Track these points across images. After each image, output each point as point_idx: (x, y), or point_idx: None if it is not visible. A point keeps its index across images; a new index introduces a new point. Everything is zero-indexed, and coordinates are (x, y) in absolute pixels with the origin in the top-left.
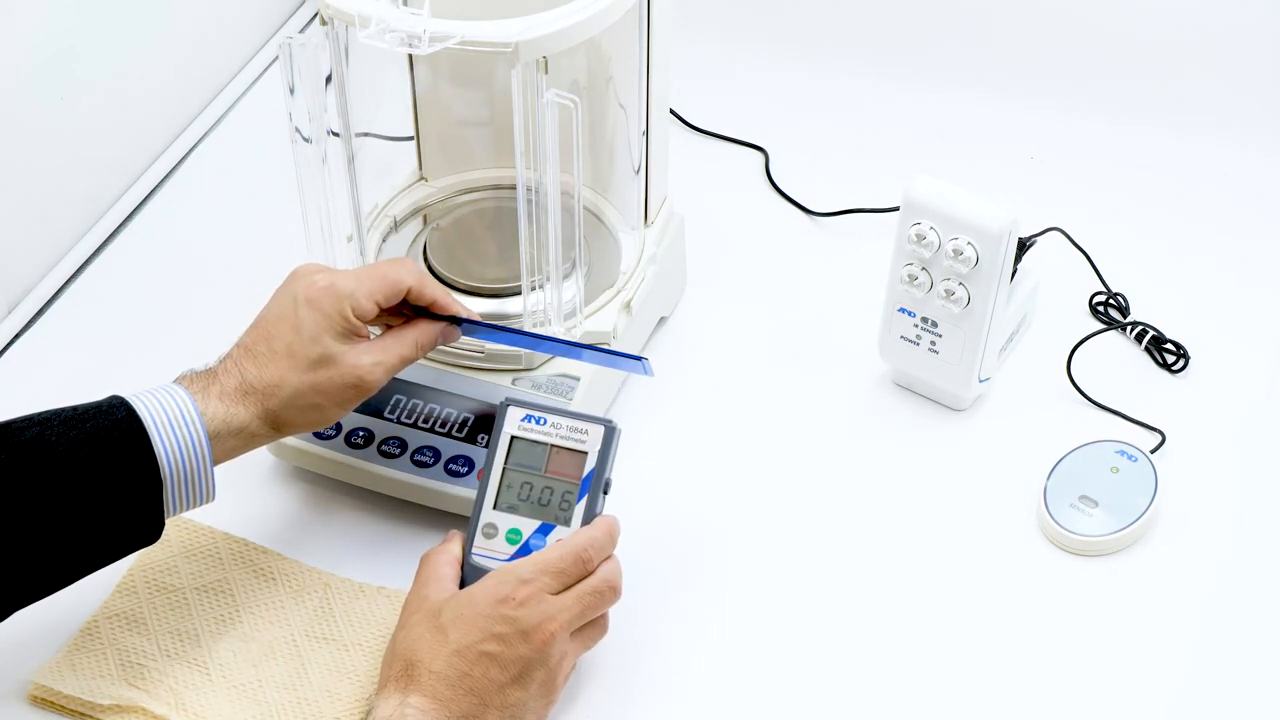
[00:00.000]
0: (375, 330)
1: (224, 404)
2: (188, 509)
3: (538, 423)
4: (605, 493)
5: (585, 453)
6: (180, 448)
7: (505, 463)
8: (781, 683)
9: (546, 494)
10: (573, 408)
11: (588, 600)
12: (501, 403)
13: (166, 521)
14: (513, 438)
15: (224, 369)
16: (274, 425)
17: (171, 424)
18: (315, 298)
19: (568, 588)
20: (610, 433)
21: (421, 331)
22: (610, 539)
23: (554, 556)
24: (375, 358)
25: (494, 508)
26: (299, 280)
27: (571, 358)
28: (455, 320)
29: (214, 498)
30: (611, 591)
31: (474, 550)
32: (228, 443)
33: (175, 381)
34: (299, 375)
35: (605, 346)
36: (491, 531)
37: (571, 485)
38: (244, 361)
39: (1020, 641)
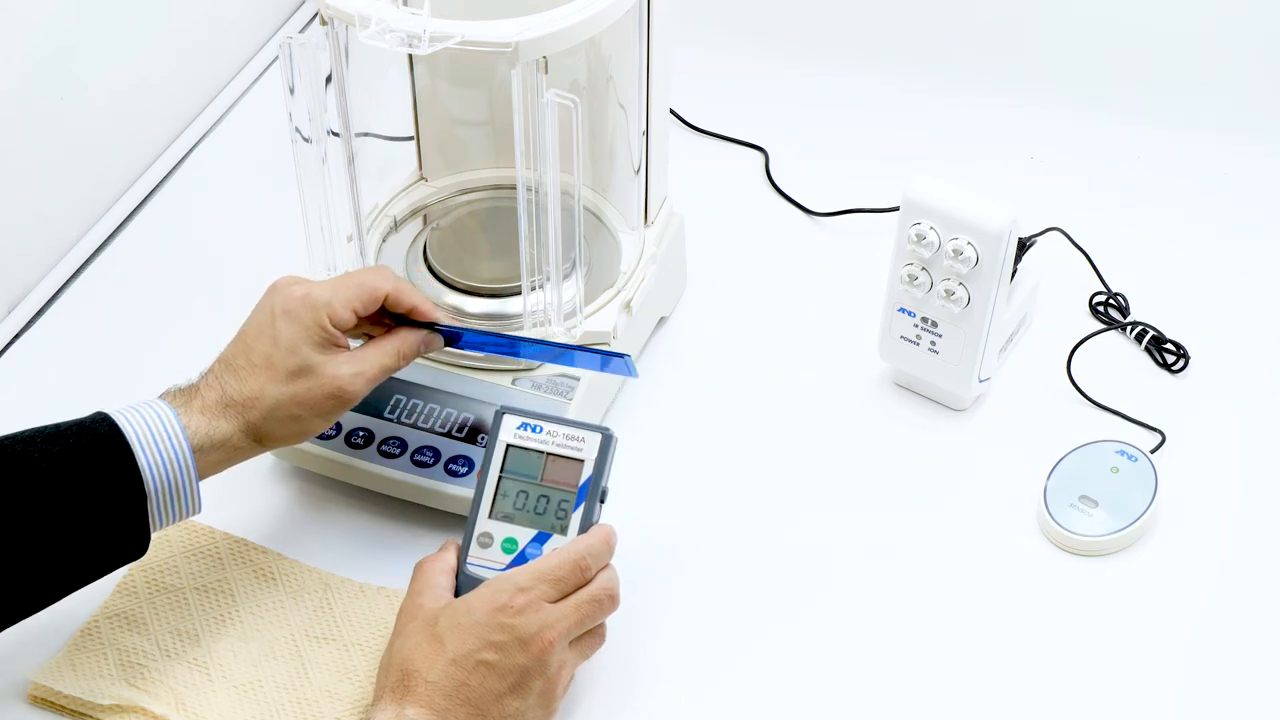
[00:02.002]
0: (358, 344)
1: (206, 418)
2: (173, 522)
3: (534, 431)
4: (602, 501)
5: (582, 460)
6: (164, 461)
7: (501, 471)
8: (782, 683)
9: (543, 503)
10: (572, 408)
11: (586, 609)
12: (497, 411)
13: (162, 529)
14: (508, 446)
15: (205, 383)
16: (256, 438)
17: (155, 438)
18: (292, 309)
19: (565, 596)
20: (607, 441)
21: (402, 340)
22: (608, 547)
23: (552, 564)
24: (355, 368)
25: (489, 517)
26: (277, 293)
27: (550, 361)
28: (435, 327)
29: (200, 510)
30: (610, 600)
31: (469, 560)
32: (211, 456)
33: (160, 397)
34: (278, 387)
35: (590, 346)
36: (487, 541)
37: (568, 494)
38: (224, 375)
39: (1020, 641)
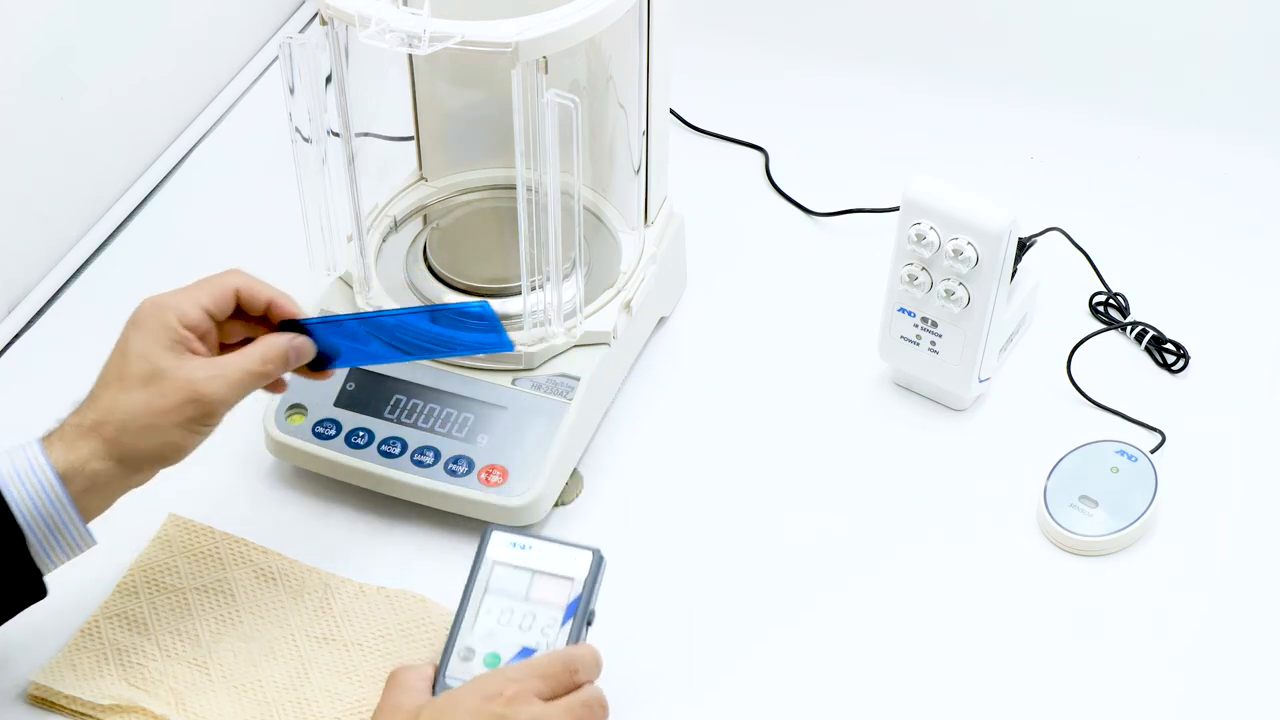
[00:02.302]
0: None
1: (64, 444)
2: (66, 559)
3: (522, 549)
4: (589, 624)
5: (570, 579)
6: (32, 496)
7: (487, 587)
8: (782, 683)
9: (528, 619)
10: (573, 407)
11: (579, 712)
12: (485, 530)
13: (55, 568)
14: (495, 563)
15: (69, 416)
16: (118, 459)
17: (19, 475)
18: (140, 319)
19: (556, 697)
20: (597, 561)
21: (266, 345)
22: (596, 664)
23: (542, 661)
24: (212, 371)
25: (472, 631)
26: (134, 313)
27: (415, 351)
28: (302, 329)
29: (93, 543)
30: (602, 709)
31: (448, 675)
32: (77, 484)
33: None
34: (129, 396)
35: (446, 304)
36: (468, 655)
37: (555, 610)
38: (85, 404)
39: (1020, 641)
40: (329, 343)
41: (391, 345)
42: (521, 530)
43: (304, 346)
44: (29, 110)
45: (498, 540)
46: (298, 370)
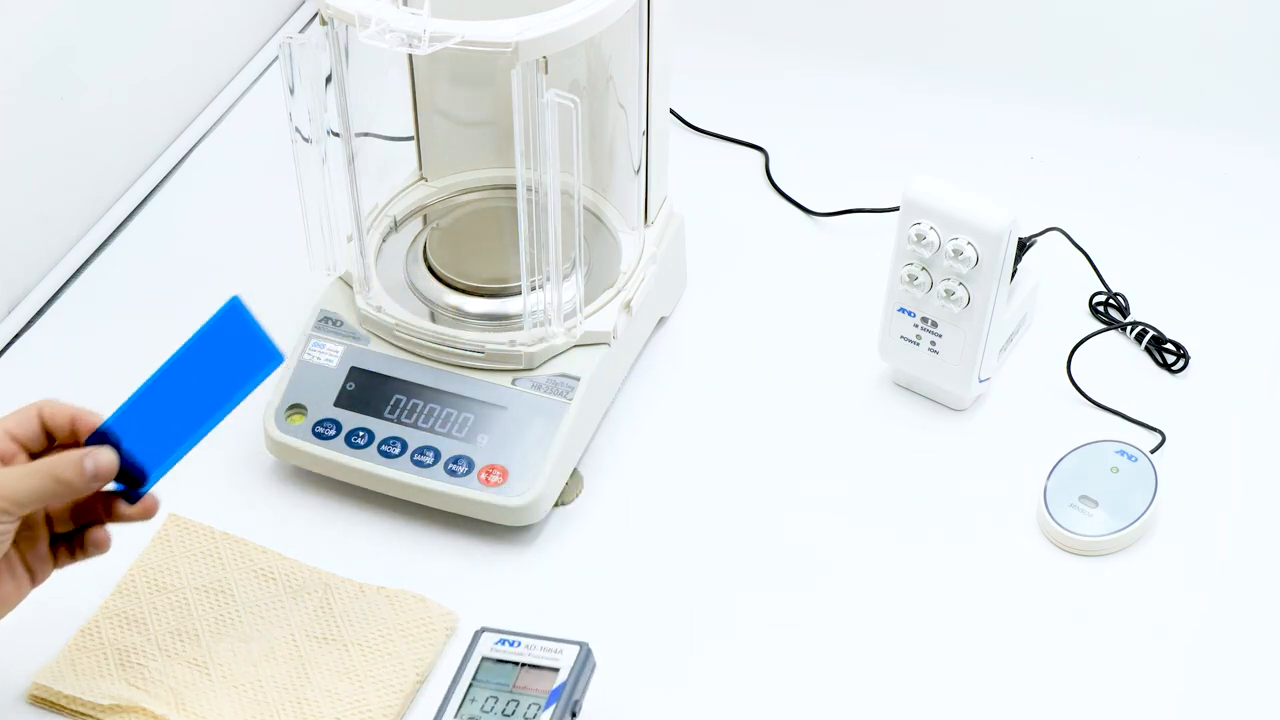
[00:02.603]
0: None
1: None
2: None
3: (510, 645)
4: (574, 715)
5: (557, 669)
6: None
7: (473, 679)
8: (781, 683)
9: (512, 705)
10: (573, 407)
11: None
12: (476, 631)
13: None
14: (483, 658)
15: None
16: None
17: None
18: None
19: None
20: (585, 655)
21: (67, 453)
22: None
23: None
24: (2, 469)
25: (454, 717)
26: None
27: (199, 425)
28: (106, 440)
29: None
30: None
31: None
32: None
33: None
34: None
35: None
36: None
37: (539, 698)
38: None
39: (1020, 641)
40: (131, 452)
41: (180, 411)
42: (510, 630)
43: (102, 455)
44: (29, 110)
45: (486, 639)
46: (117, 513)
